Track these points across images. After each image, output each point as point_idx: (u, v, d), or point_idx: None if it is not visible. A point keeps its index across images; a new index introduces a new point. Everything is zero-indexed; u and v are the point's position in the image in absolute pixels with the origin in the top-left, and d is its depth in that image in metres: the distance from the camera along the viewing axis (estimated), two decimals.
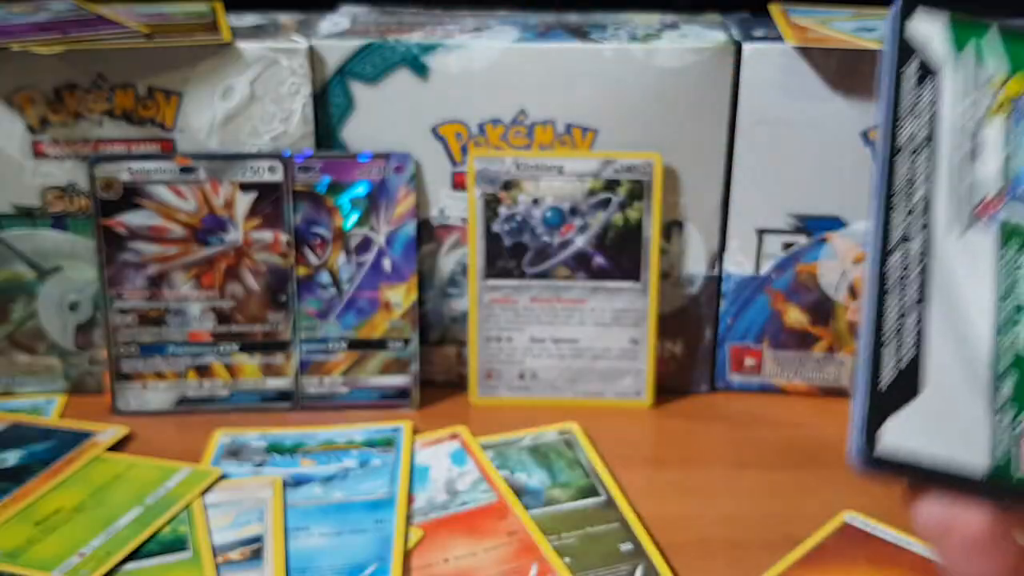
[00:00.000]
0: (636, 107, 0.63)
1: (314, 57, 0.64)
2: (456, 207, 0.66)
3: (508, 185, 0.65)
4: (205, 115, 0.64)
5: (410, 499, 0.58)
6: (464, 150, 0.65)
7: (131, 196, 0.63)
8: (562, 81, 0.63)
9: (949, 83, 0.30)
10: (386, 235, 0.65)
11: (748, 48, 0.62)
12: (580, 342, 0.67)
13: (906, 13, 0.31)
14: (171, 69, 0.63)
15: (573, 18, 0.71)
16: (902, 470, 0.27)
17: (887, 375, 0.27)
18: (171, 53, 0.62)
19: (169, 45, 0.62)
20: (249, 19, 0.70)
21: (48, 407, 0.67)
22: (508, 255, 0.66)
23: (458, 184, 0.66)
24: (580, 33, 0.65)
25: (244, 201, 0.64)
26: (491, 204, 0.65)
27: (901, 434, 0.27)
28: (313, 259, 0.65)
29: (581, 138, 0.64)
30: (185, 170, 0.63)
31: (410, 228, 0.65)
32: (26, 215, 0.65)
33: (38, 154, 0.64)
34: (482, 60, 0.63)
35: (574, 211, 0.65)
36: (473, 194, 0.65)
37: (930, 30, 0.31)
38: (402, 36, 0.64)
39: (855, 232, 0.65)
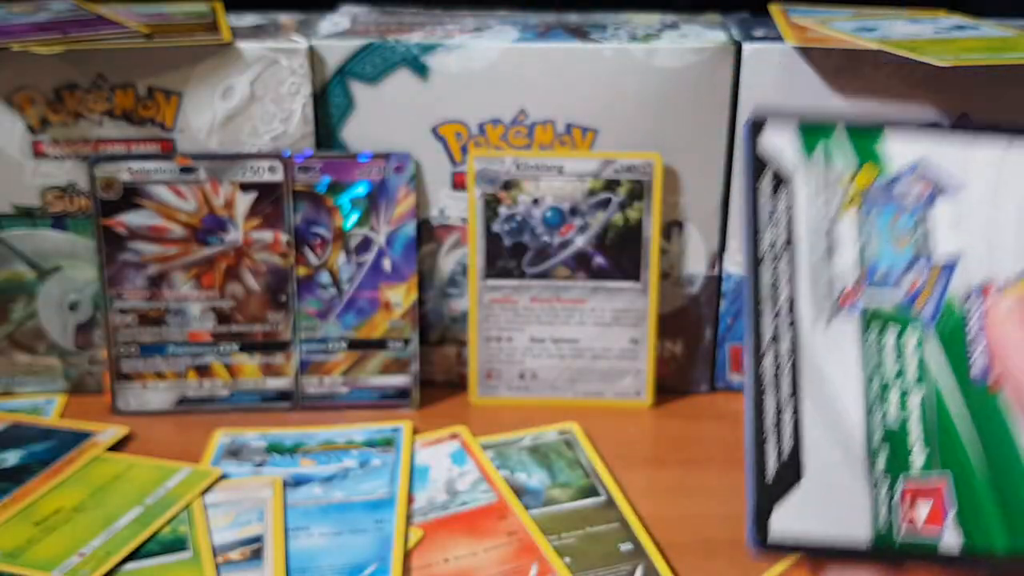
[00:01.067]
0: (636, 107, 0.63)
1: (314, 57, 0.64)
2: (456, 207, 0.66)
3: (508, 185, 0.65)
4: (205, 115, 0.64)
5: (410, 499, 0.58)
6: (464, 150, 0.65)
7: (131, 196, 0.63)
8: (562, 81, 0.63)
9: (802, 187, 0.32)
10: (386, 235, 0.65)
11: (748, 48, 0.62)
12: (580, 342, 0.67)
13: (757, 129, 0.33)
14: (171, 69, 0.63)
15: (573, 18, 0.71)
16: (796, 550, 0.29)
17: (771, 467, 0.30)
18: (171, 53, 0.62)
19: (169, 45, 0.62)
20: (249, 19, 0.70)
21: (48, 407, 0.67)
22: (508, 255, 0.66)
23: (458, 184, 0.66)
24: (580, 33, 0.65)
25: (244, 201, 0.64)
26: (491, 204, 0.65)
27: (790, 519, 0.29)
28: (313, 259, 0.65)
29: (581, 138, 0.64)
30: (185, 170, 0.63)
31: (410, 228, 0.65)
32: (26, 215, 0.65)
33: (38, 154, 0.64)
34: (482, 60, 0.63)
35: (574, 211, 0.65)
36: (473, 194, 0.65)
37: (781, 141, 0.33)
38: (402, 36, 0.64)
39: None
